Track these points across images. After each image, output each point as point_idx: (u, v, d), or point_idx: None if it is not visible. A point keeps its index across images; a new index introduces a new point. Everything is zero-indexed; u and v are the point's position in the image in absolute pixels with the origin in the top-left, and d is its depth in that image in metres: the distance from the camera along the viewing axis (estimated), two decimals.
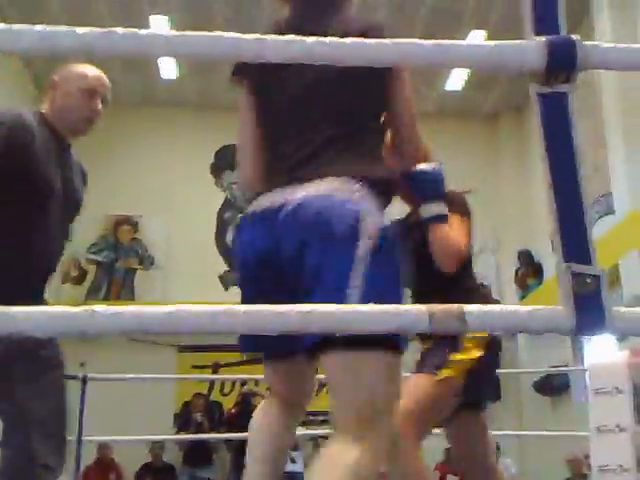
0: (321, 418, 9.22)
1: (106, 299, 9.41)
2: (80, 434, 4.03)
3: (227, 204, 10.36)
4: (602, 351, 6.84)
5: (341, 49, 1.15)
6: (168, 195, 9.84)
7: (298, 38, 1.13)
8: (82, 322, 1.11)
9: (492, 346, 2.44)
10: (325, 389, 9.13)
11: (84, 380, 4.42)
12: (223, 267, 9.99)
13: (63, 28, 1.13)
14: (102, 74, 2.44)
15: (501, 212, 10.19)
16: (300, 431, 8.15)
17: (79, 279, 9.51)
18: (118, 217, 9.80)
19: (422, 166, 2.10)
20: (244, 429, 6.97)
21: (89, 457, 7.22)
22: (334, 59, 1.17)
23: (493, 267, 10.20)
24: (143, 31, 1.19)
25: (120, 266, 9.74)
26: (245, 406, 8.10)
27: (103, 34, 1.18)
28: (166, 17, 8.49)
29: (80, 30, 1.15)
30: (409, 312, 1.23)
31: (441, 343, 2.39)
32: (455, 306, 1.22)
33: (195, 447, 7.98)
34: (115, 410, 7.43)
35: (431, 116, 10.56)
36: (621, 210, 7.31)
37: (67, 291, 9.04)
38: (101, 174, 9.45)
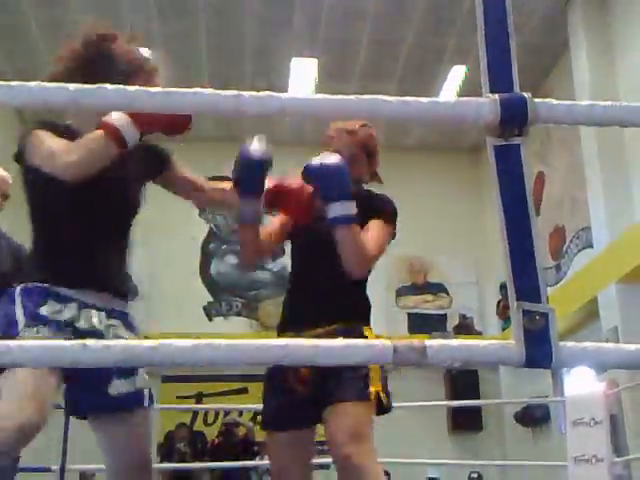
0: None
1: None
2: (64, 463, 4.05)
3: (212, 235, 10.43)
4: (581, 383, 6.94)
5: (316, 104, 1.26)
6: (152, 226, 9.88)
7: (274, 94, 1.23)
8: (75, 355, 1.20)
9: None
10: None
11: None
12: (207, 298, 10.05)
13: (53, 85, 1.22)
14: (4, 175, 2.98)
15: (484, 244, 10.33)
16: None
17: None
18: None
19: (323, 158, 2.12)
20: (227, 459, 7.01)
21: None
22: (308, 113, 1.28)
23: (476, 299, 10.33)
24: (130, 87, 1.29)
25: None
26: (228, 436, 8.11)
27: (92, 90, 1.28)
28: (312, 59, 8.67)
29: (71, 86, 1.25)
30: (375, 346, 1.32)
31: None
32: (416, 340, 1.32)
33: (178, 477, 7.95)
34: (94, 441, 7.39)
35: (413, 150, 10.78)
36: (599, 244, 7.44)
37: None
38: None
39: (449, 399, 9.17)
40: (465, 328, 10.03)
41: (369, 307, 2.38)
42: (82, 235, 2.01)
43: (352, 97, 1.29)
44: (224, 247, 10.42)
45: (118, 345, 1.23)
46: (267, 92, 1.21)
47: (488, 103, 1.22)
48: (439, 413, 9.47)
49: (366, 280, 2.40)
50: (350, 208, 2.08)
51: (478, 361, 1.34)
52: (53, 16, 8.05)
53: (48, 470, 4.24)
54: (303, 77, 8.91)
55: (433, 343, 1.32)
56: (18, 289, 1.90)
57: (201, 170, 9.83)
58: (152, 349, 1.25)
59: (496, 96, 1.23)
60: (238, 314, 10.10)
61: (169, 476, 8.07)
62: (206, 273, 10.19)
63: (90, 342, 1.23)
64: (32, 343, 1.21)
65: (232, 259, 10.37)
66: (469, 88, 8.19)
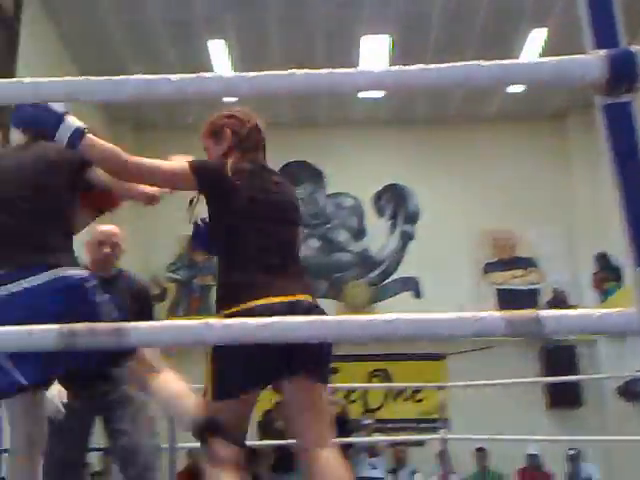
0: (398, 425, 9.29)
1: (186, 314, 9.73)
2: (172, 441, 4.18)
3: None
4: None
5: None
6: None
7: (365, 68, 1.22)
8: (200, 333, 1.24)
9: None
10: (400, 398, 9.13)
11: None
12: None
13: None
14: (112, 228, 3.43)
15: (575, 215, 10.03)
16: (380, 438, 8.28)
17: (160, 297, 9.91)
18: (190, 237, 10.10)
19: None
20: None
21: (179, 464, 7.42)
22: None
23: (569, 271, 10.03)
24: (227, 73, 1.30)
25: (197, 283, 10.07)
26: None
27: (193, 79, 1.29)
28: (223, 41, 8.68)
29: (174, 77, 1.26)
30: (485, 319, 1.30)
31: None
32: (530, 311, 1.30)
33: (280, 454, 8.12)
34: None
35: (494, 121, 10.53)
36: None
37: None
38: (175, 197, 9.71)
39: (545, 375, 8.98)
40: (559, 303, 9.72)
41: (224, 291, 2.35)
42: None
43: (447, 65, 1.27)
44: (306, 231, 10.49)
45: (237, 323, 1.27)
46: (359, 67, 1.20)
47: (595, 60, 1.17)
48: (536, 390, 9.28)
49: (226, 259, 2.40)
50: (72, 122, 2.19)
51: (595, 331, 1.31)
52: (132, 18, 8.24)
53: None
54: (375, 55, 8.81)
55: (548, 314, 1.29)
56: None
57: (278, 154, 9.84)
58: (263, 327, 1.28)
59: (603, 52, 1.18)
60: (324, 296, 10.16)
61: (269, 453, 8.25)
62: None
63: (213, 321, 1.28)
64: (158, 324, 1.27)
65: (314, 243, 10.43)
66: (550, 53, 7.87)
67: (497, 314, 1.28)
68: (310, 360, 2.26)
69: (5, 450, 4.40)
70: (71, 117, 2.22)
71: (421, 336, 1.33)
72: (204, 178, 2.36)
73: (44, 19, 8.09)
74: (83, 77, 1.23)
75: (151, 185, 2.52)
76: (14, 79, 1.22)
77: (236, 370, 2.24)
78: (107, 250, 3.35)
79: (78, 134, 2.20)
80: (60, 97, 1.31)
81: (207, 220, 2.48)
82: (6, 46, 7.33)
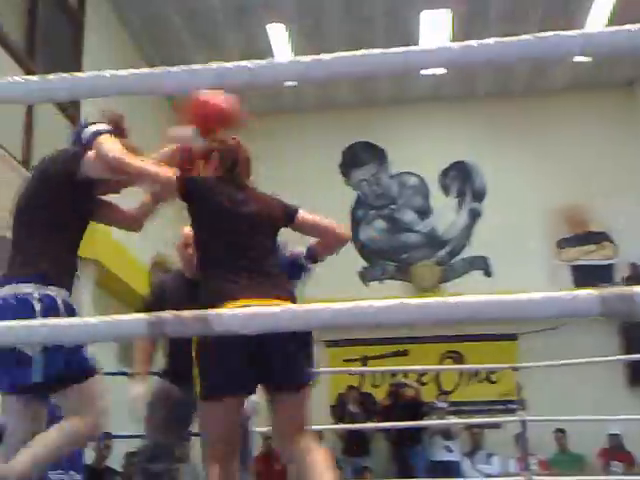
0: (473, 408, 9.21)
1: None
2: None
3: (359, 202, 10.48)
4: None
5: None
6: (302, 197, 10.04)
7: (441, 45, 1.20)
8: (275, 320, 1.25)
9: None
10: (474, 380, 9.04)
11: None
12: (361, 263, 10.13)
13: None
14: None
15: None
16: (455, 421, 8.23)
17: None
18: None
19: None
20: (397, 419, 7.10)
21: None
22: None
23: None
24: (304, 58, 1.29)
25: None
26: (397, 397, 8.22)
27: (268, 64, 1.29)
28: (282, 25, 8.69)
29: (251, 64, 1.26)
30: (578, 297, 1.27)
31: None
32: (627, 289, 1.25)
33: (353, 437, 8.18)
34: None
35: (561, 92, 10.26)
36: None
37: None
38: None
39: (625, 351, 8.72)
40: (637, 278, 9.42)
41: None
42: None
43: (510, 39, 1.23)
44: (371, 212, 10.45)
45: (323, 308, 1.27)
46: (434, 45, 1.18)
47: None
48: (616, 367, 9.04)
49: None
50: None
51: None
52: (193, 5, 8.32)
53: None
54: (436, 30, 8.66)
55: None
56: None
57: (340, 136, 9.83)
58: (352, 309, 1.27)
59: None
60: (392, 277, 10.13)
61: (343, 436, 8.33)
62: (356, 239, 10.27)
63: (293, 307, 1.29)
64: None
65: (381, 224, 10.38)
66: (619, 20, 7.60)
67: (591, 292, 1.24)
68: (283, 369, 2.43)
69: None
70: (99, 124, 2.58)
71: (514, 317, 1.30)
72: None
73: (108, 11, 8.24)
74: (162, 68, 1.24)
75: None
76: (98, 72, 1.23)
77: (217, 374, 2.38)
78: (191, 251, 3.27)
79: (94, 135, 2.53)
80: (140, 90, 1.32)
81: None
82: (73, 39, 7.50)
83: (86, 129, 2.58)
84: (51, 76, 1.22)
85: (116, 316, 1.33)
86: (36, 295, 2.37)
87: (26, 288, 2.39)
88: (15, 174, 5.78)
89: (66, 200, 2.54)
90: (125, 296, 7.26)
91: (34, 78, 1.25)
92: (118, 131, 2.69)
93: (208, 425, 2.46)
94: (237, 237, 2.57)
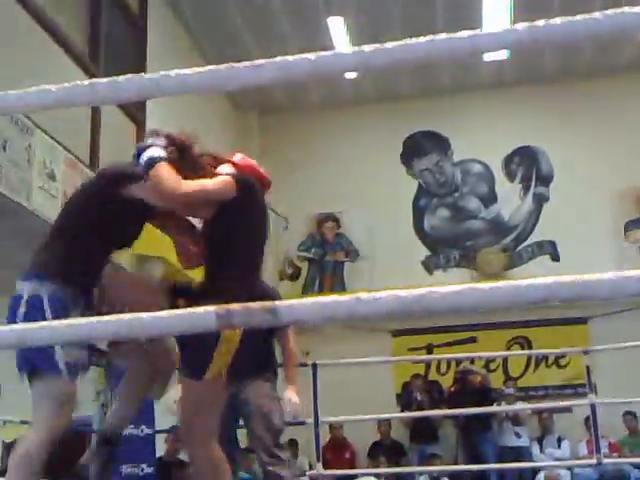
0: (541, 393, 9.10)
1: (320, 292, 9.90)
2: (317, 416, 4.29)
3: (421, 191, 10.43)
4: None
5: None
6: (364, 189, 10.11)
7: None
8: (350, 308, 1.27)
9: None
10: (542, 365, 8.93)
11: (314, 367, 4.70)
12: (425, 252, 10.08)
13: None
14: None
15: None
16: (524, 406, 8.14)
17: (294, 276, 10.14)
18: (321, 215, 10.26)
19: None
20: (465, 406, 7.10)
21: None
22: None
23: None
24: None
25: (329, 260, 10.20)
26: (464, 384, 8.17)
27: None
28: (342, 19, 8.69)
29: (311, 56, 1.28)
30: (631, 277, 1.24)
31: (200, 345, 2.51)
32: None
33: (420, 425, 8.18)
34: (341, 392, 7.74)
35: (627, 71, 9.97)
36: None
37: (285, 287, 9.59)
38: (302, 178, 9.96)
39: None
40: None
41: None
42: None
43: (573, 18, 1.21)
44: (434, 201, 10.38)
45: (388, 296, 1.28)
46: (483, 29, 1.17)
47: None
48: None
49: None
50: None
51: None
52: (252, 3, 8.40)
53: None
54: (495, 12, 8.52)
55: None
56: None
57: (400, 127, 9.78)
58: (422, 296, 1.29)
59: None
60: (457, 265, 10.05)
61: (410, 423, 8.33)
62: (420, 229, 10.23)
63: (363, 295, 1.30)
64: (307, 300, 1.32)
65: (444, 212, 10.31)
66: None
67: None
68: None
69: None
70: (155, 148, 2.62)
71: (581, 298, 1.28)
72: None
73: (168, 12, 8.39)
74: (225, 65, 1.27)
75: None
76: (163, 72, 1.27)
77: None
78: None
79: (147, 165, 2.59)
80: (206, 88, 1.35)
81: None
82: (136, 42, 7.66)
83: (143, 153, 2.61)
84: (118, 78, 1.26)
85: (186, 309, 1.37)
86: (25, 294, 2.46)
87: (19, 285, 2.49)
88: (83, 178, 5.96)
89: (98, 211, 2.63)
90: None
91: (100, 80, 1.30)
92: (180, 150, 2.75)
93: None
94: (262, 244, 2.79)
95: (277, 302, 1.39)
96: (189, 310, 1.36)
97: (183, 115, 8.57)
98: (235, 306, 1.37)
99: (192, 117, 8.82)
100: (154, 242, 6.95)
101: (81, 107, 6.56)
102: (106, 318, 1.33)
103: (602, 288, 1.25)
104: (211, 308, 1.36)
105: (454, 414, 7.75)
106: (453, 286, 1.34)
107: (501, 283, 1.31)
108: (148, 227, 7.80)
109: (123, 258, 6.59)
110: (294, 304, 1.39)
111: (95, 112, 6.60)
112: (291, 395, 3.80)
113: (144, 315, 1.31)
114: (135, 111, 7.46)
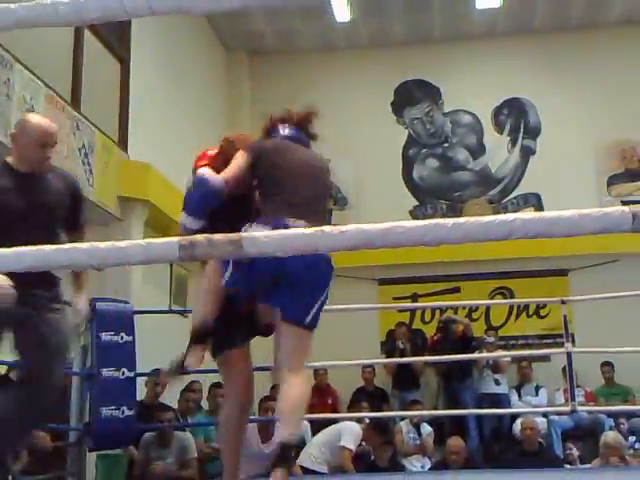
0: (521, 342, 9.23)
1: None
2: None
3: (410, 140, 10.38)
4: None
5: None
6: (353, 137, 10.03)
7: None
8: (314, 241, 1.26)
9: None
10: (523, 315, 9.06)
11: None
12: (412, 202, 10.08)
13: None
14: (51, 125, 3.22)
15: None
16: (503, 354, 8.26)
17: None
18: None
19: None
20: (447, 354, 7.20)
21: None
22: None
23: None
24: None
25: None
26: (446, 332, 8.27)
27: None
28: None
29: None
30: (611, 214, 1.25)
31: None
32: None
33: (402, 372, 8.29)
34: (325, 339, 7.77)
35: (618, 26, 9.87)
36: None
37: None
38: None
39: None
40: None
41: None
42: None
43: None
44: (424, 151, 10.33)
45: (352, 229, 1.28)
46: None
47: None
48: None
49: None
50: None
51: None
52: None
53: None
54: None
55: None
56: None
57: (392, 74, 9.69)
58: (387, 229, 1.29)
59: None
60: (444, 216, 10.05)
61: (393, 370, 8.44)
62: (408, 178, 10.20)
63: (327, 228, 1.30)
64: (271, 233, 1.32)
65: (433, 162, 10.28)
66: None
67: (623, 208, 1.23)
68: None
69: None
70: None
71: (544, 235, 1.29)
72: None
73: None
74: None
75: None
76: None
77: None
78: (49, 154, 3.16)
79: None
80: (173, 9, 1.32)
81: None
82: None
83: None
84: None
85: (148, 240, 1.36)
86: None
87: None
88: (64, 115, 5.88)
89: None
90: (175, 235, 7.35)
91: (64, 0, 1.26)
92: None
93: None
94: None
95: (242, 234, 1.38)
96: (151, 240, 1.36)
97: (169, 55, 8.46)
98: (199, 237, 1.36)
99: (179, 57, 8.71)
100: (140, 185, 6.95)
101: (63, 42, 6.45)
102: (66, 246, 1.32)
103: (561, 225, 1.26)
104: (174, 239, 1.36)
105: (435, 361, 7.87)
106: (418, 221, 1.34)
107: (464, 219, 1.31)
108: (135, 169, 7.75)
109: (105, 198, 6.58)
110: (259, 236, 1.38)
111: (78, 48, 6.48)
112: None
113: (102, 245, 1.31)
114: (119, 49, 7.34)
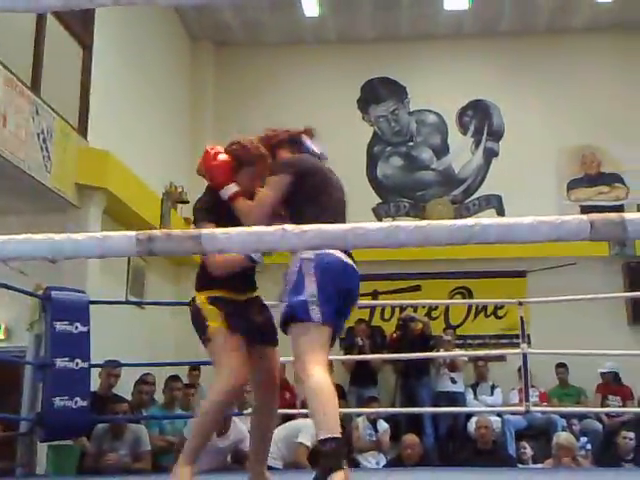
0: (478, 342, 9.33)
1: None
2: None
3: (376, 138, 10.40)
4: None
5: None
6: (318, 132, 9.98)
7: None
8: (275, 239, 1.25)
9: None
10: (481, 315, 9.18)
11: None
12: (375, 200, 10.11)
13: None
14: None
15: None
16: (460, 352, 8.35)
17: None
18: None
19: None
20: (405, 352, 7.23)
21: None
22: None
23: None
24: None
25: None
26: (406, 330, 8.32)
27: None
28: None
29: None
30: (570, 222, 1.26)
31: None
32: (615, 215, 1.24)
33: (360, 369, 8.32)
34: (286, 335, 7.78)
35: (582, 32, 10.02)
36: None
37: None
38: (255, 116, 9.73)
39: (628, 291, 8.79)
40: None
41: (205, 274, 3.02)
42: None
43: None
44: (388, 149, 10.37)
45: (313, 229, 1.27)
46: None
47: None
48: (618, 306, 9.13)
49: None
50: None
51: None
52: None
53: None
54: None
55: (633, 216, 1.24)
56: None
57: (359, 71, 9.69)
58: (348, 231, 1.28)
59: None
60: (406, 214, 10.11)
61: (351, 367, 8.46)
62: (373, 176, 10.23)
63: (289, 227, 1.29)
64: (237, 230, 1.30)
65: (397, 161, 10.32)
66: None
67: (582, 217, 1.24)
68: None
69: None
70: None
71: (504, 240, 1.29)
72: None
73: None
74: None
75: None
76: None
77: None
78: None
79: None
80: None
81: None
82: None
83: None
84: None
85: (104, 233, 1.33)
86: None
87: None
88: (24, 99, 5.76)
89: None
90: (134, 224, 7.27)
91: None
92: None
93: None
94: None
95: (201, 230, 1.36)
96: (108, 233, 1.33)
97: (134, 42, 8.34)
98: (157, 232, 1.34)
99: (144, 45, 8.59)
100: (99, 173, 6.85)
101: (25, 25, 6.32)
102: (19, 237, 1.29)
103: (520, 231, 1.27)
104: (131, 233, 1.33)
105: (393, 359, 7.92)
106: (379, 223, 1.33)
107: (425, 222, 1.31)
108: (94, 156, 7.59)
109: (62, 184, 6.46)
110: (218, 233, 1.36)
111: (40, 32, 6.35)
112: None
113: (58, 237, 1.28)
114: (83, 34, 7.21)
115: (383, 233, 1.30)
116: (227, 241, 1.33)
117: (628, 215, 1.22)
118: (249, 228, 1.35)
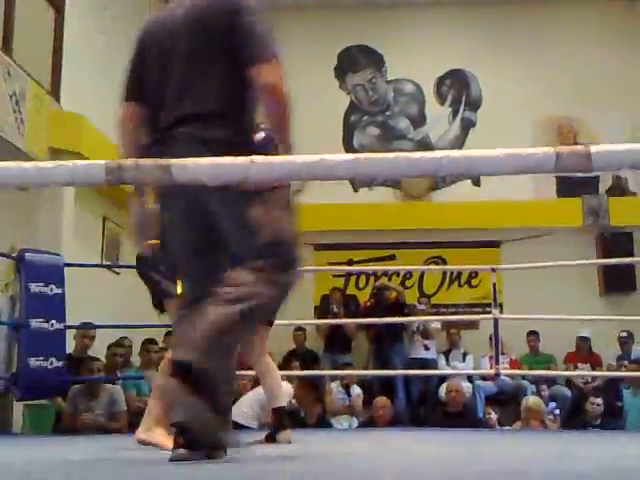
0: (451, 310, 9.43)
1: None
2: None
3: (352, 107, 10.37)
4: None
5: None
6: (294, 100, 9.92)
7: None
8: (243, 170, 1.26)
9: None
10: (455, 284, 9.22)
11: None
12: None
13: None
14: None
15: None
16: (433, 318, 8.43)
17: None
18: None
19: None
20: (379, 318, 7.20)
21: None
22: None
23: None
24: None
25: None
26: (380, 298, 8.37)
27: None
28: None
29: None
30: (536, 154, 1.28)
31: None
32: (581, 146, 1.27)
33: (335, 335, 8.37)
34: None
35: (561, 1, 10.03)
36: None
37: None
38: None
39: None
40: (619, 189, 9.53)
41: None
42: None
43: None
44: (365, 118, 10.34)
45: (282, 160, 1.28)
46: None
47: None
48: (591, 276, 9.26)
49: None
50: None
51: None
52: None
53: None
54: None
55: (598, 148, 1.27)
56: None
57: (337, 39, 9.58)
58: (316, 162, 1.28)
59: None
60: (383, 184, 10.12)
61: (325, 334, 8.52)
62: (349, 145, 10.21)
63: (258, 159, 1.29)
64: (204, 160, 1.30)
65: (374, 130, 10.30)
66: None
67: (548, 148, 1.26)
68: None
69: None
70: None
71: (471, 172, 1.32)
72: None
73: None
74: None
75: None
76: None
77: None
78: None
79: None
80: None
81: None
82: None
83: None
84: None
85: (75, 161, 1.33)
86: None
87: None
88: None
89: None
90: (108, 190, 7.20)
91: None
92: None
93: None
94: None
95: (171, 160, 1.37)
96: (78, 162, 1.33)
97: (107, 4, 8.20)
98: (127, 161, 1.34)
99: (117, 7, 8.45)
100: (72, 137, 6.76)
101: None
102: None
103: (487, 163, 1.29)
104: (101, 161, 1.33)
105: (367, 324, 7.99)
106: (345, 154, 1.35)
107: (392, 155, 1.32)
108: (67, 120, 7.51)
109: (36, 147, 6.39)
110: (188, 163, 1.37)
111: None
112: None
113: (28, 164, 1.27)
114: None
115: (349, 164, 1.31)
116: (197, 171, 1.34)
117: (594, 147, 1.25)
118: (219, 159, 1.35)
